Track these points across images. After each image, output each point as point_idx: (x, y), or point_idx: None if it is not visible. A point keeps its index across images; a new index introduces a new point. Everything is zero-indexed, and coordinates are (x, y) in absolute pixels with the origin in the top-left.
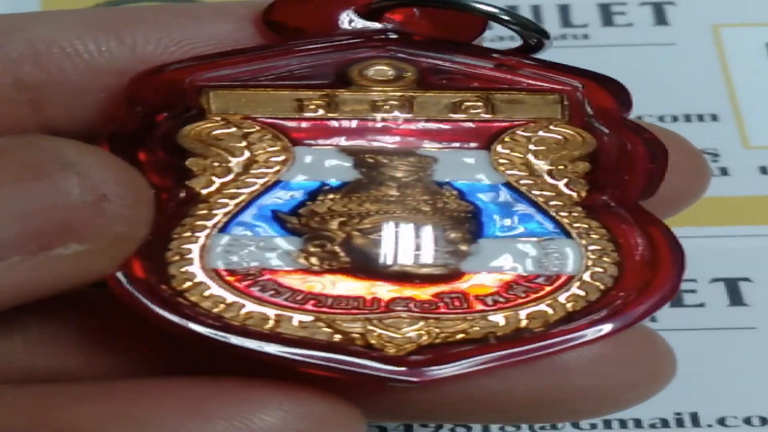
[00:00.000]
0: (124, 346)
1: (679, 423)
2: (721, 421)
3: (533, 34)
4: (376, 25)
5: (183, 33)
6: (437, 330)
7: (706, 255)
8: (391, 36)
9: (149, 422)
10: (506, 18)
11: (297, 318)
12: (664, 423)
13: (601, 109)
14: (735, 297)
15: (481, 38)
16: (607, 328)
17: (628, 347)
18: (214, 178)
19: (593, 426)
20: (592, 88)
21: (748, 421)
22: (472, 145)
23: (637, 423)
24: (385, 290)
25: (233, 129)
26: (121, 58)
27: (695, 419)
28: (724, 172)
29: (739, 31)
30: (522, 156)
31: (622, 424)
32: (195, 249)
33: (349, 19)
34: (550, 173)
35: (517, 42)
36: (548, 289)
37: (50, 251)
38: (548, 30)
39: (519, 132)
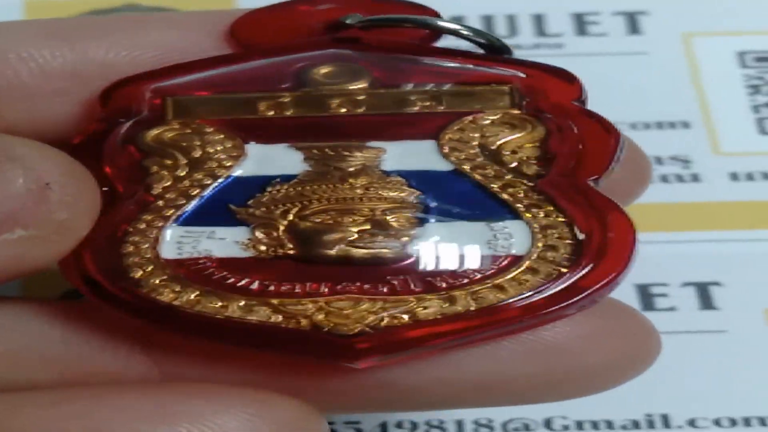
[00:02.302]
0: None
1: (650, 424)
2: (692, 423)
3: (497, 48)
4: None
5: (132, 42)
6: (384, 311)
7: (677, 259)
8: (346, 41)
9: (109, 427)
10: (467, 33)
11: (246, 303)
12: (635, 424)
13: (551, 98)
14: (705, 301)
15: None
16: (562, 305)
17: (613, 324)
18: (168, 176)
19: (565, 427)
20: (542, 78)
21: (717, 422)
22: (421, 135)
23: (609, 424)
24: (330, 273)
25: (189, 131)
26: (74, 62)
27: (666, 420)
28: (695, 178)
29: (710, 40)
30: (470, 143)
31: (594, 425)
32: (148, 241)
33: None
34: (499, 158)
35: None
36: (498, 269)
37: None
38: (522, 40)
39: (467, 121)
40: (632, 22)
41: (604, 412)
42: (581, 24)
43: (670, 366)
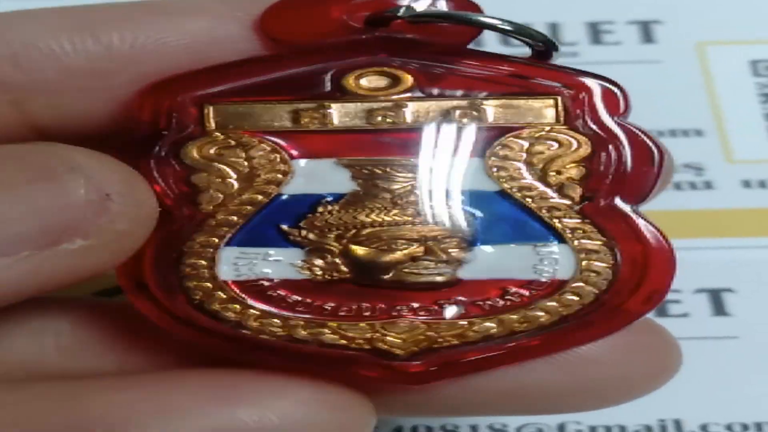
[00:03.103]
0: (146, 346)
1: (663, 429)
2: (704, 428)
3: (541, 45)
4: (371, 32)
5: (158, 30)
6: (436, 335)
7: (690, 266)
8: (386, 42)
9: (177, 408)
10: (509, 29)
11: (305, 325)
12: (648, 429)
13: (599, 112)
14: (718, 307)
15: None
16: (605, 328)
17: (640, 338)
18: (218, 194)
19: None
20: (592, 90)
21: (729, 427)
22: (467, 153)
23: (622, 429)
24: (385, 296)
25: (233, 144)
26: (98, 58)
27: (678, 425)
28: (708, 185)
29: (723, 49)
30: (516, 162)
31: (608, 430)
32: (205, 263)
33: (347, 31)
34: (544, 179)
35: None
36: (542, 293)
37: (57, 247)
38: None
39: (513, 138)
40: (646, 31)
41: (617, 417)
42: (596, 33)
43: (683, 372)
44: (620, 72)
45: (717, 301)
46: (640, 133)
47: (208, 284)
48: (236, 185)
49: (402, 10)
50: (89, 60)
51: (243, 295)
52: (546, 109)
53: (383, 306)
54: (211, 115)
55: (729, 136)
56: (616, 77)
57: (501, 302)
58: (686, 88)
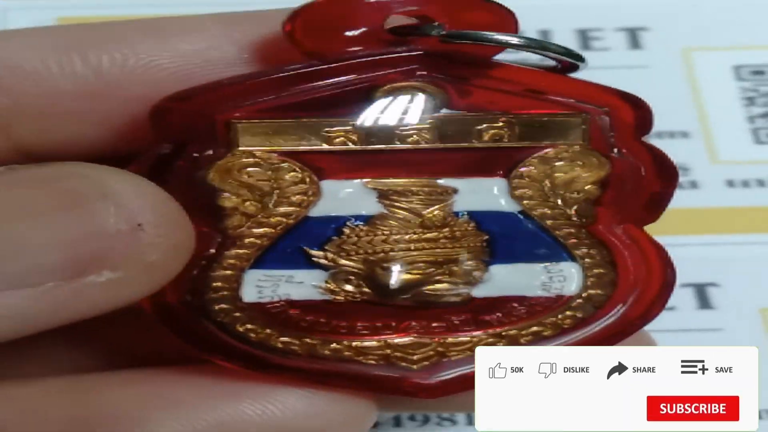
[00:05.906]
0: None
1: None
2: None
3: (567, 59)
4: (402, 46)
5: (150, 51)
6: (446, 350)
7: (676, 262)
8: (419, 57)
9: (184, 403)
10: (533, 46)
11: (324, 344)
12: None
13: (623, 130)
14: (703, 301)
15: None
16: (604, 340)
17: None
18: (244, 217)
19: None
20: (617, 108)
21: None
22: (493, 173)
23: None
24: (399, 314)
25: (261, 164)
26: (87, 82)
27: None
28: (693, 185)
29: (708, 55)
30: (538, 183)
31: None
32: (229, 285)
33: (373, 39)
34: (564, 198)
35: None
36: (548, 309)
37: (84, 278)
38: (528, 54)
39: (537, 159)
40: (634, 38)
41: None
42: (585, 39)
43: None
44: (608, 77)
45: (702, 295)
46: (660, 155)
47: (232, 306)
48: (263, 207)
49: (434, 30)
50: (77, 83)
51: (265, 317)
52: (573, 129)
53: (396, 322)
54: (239, 133)
55: (714, 138)
56: (605, 82)
57: (508, 318)
58: (672, 92)
